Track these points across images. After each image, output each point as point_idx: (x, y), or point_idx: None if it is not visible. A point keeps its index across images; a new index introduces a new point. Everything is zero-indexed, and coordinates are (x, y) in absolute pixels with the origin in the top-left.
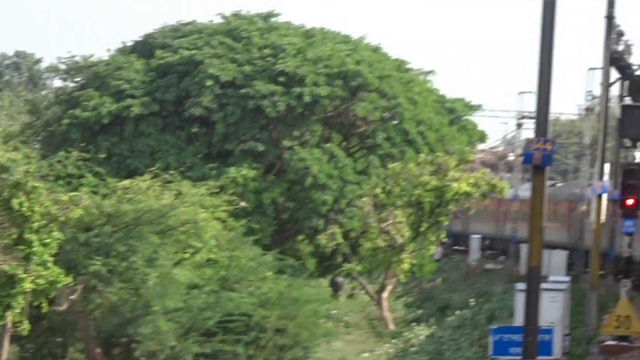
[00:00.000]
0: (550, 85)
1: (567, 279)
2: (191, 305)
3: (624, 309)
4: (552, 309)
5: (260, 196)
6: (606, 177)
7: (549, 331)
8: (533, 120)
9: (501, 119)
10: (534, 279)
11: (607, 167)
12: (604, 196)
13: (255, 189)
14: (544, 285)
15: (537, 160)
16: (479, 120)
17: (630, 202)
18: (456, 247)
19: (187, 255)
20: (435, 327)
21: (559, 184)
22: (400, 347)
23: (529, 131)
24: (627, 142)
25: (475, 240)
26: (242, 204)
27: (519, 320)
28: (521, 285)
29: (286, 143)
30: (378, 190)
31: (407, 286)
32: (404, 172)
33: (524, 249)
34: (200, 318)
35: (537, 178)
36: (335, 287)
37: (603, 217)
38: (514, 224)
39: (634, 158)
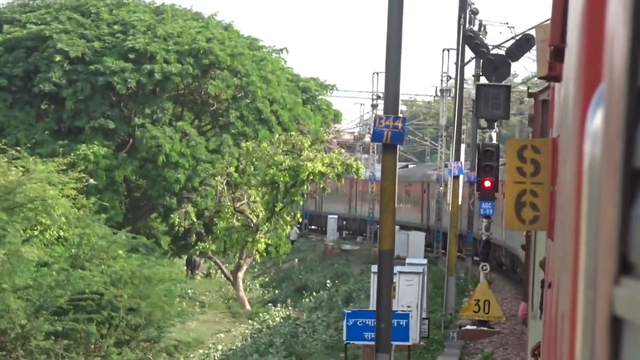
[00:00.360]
0: (399, 62)
1: (424, 261)
2: (41, 283)
3: (482, 293)
4: (409, 293)
5: (111, 174)
6: (463, 158)
7: (404, 316)
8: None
9: (357, 100)
10: (386, 263)
11: (463, 148)
12: (461, 177)
13: (106, 167)
14: (399, 268)
15: (387, 138)
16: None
17: (487, 183)
18: (313, 227)
19: (36, 233)
20: (290, 308)
21: (411, 166)
22: (255, 328)
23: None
24: (483, 123)
25: (332, 221)
26: (91, 181)
27: (375, 303)
28: (376, 267)
29: (137, 120)
30: (231, 169)
31: (265, 266)
32: (257, 151)
33: None
34: (51, 296)
35: (387, 157)
36: (192, 266)
37: (460, 199)
38: (370, 204)
39: (490, 139)
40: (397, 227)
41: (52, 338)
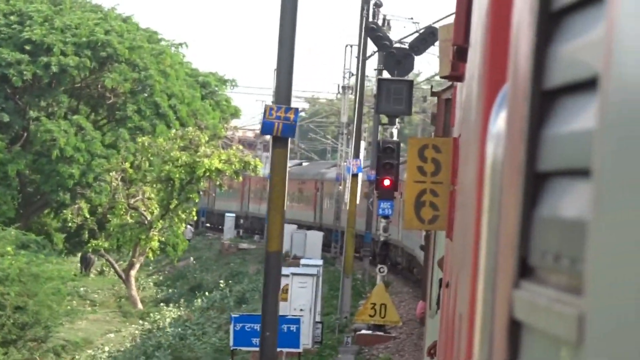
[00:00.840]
0: (293, 50)
1: (319, 262)
2: None
3: (379, 296)
4: (302, 295)
5: (4, 167)
6: (362, 156)
7: (295, 321)
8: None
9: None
10: (274, 265)
11: (363, 145)
12: (360, 176)
13: (0, 160)
14: (292, 270)
15: (277, 131)
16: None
17: (386, 182)
18: (209, 225)
19: None
20: (182, 308)
21: (305, 163)
22: (146, 329)
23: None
24: (385, 119)
25: (229, 219)
26: None
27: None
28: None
29: (32, 114)
30: (126, 165)
31: (160, 264)
32: (153, 147)
33: None
34: None
35: (278, 151)
36: (86, 263)
37: (358, 198)
38: (268, 202)
39: (391, 135)
40: (295, 226)
41: None
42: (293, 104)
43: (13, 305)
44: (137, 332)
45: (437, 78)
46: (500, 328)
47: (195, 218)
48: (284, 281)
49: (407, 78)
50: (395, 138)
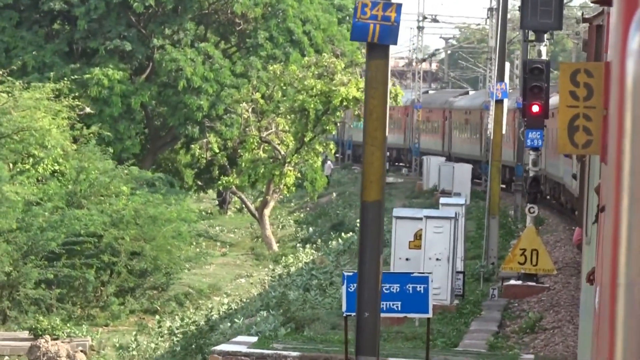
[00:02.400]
0: None
1: (461, 200)
2: (30, 225)
3: (529, 241)
4: (438, 241)
5: (128, 100)
6: (507, 79)
7: (423, 280)
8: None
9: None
10: (373, 220)
11: (508, 67)
12: (505, 102)
13: (122, 92)
14: (426, 212)
15: (373, 35)
16: None
17: (535, 108)
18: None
19: (27, 167)
20: (314, 252)
21: (432, 92)
22: (277, 274)
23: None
24: (532, 35)
25: None
26: (87, 109)
27: (392, 251)
28: (401, 211)
29: (157, 42)
30: (257, 95)
31: (302, 200)
32: (286, 75)
33: (427, 161)
34: (42, 239)
35: (375, 63)
36: (223, 201)
37: (504, 127)
38: (415, 134)
39: (539, 54)
40: (442, 159)
41: (43, 287)
42: (442, 30)
43: (128, 250)
44: (266, 277)
45: (590, 4)
46: None
47: (333, 151)
48: (416, 225)
49: None
50: (544, 57)
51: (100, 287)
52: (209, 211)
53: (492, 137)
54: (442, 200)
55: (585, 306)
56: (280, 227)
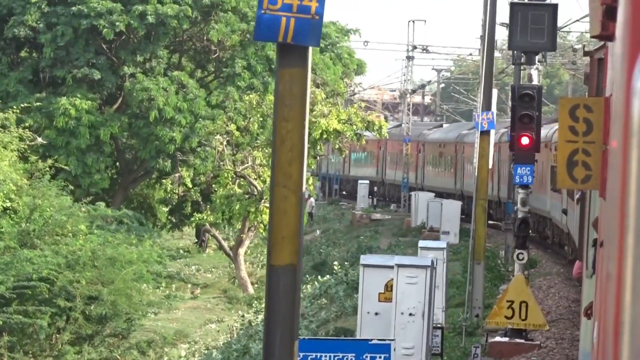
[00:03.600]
0: None
1: (442, 244)
2: None
3: (517, 292)
4: (411, 294)
5: (96, 131)
6: (494, 108)
7: (383, 348)
8: (426, 54)
9: (393, 54)
10: (285, 289)
11: (495, 94)
12: (492, 133)
13: (90, 123)
14: (398, 260)
15: (284, 34)
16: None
17: (524, 140)
18: (344, 193)
19: None
20: None
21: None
22: (247, 320)
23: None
24: (520, 57)
25: (362, 187)
26: (39, 140)
27: (360, 304)
28: (369, 258)
29: (127, 70)
30: (232, 127)
31: None
32: (263, 105)
33: (415, 196)
34: None
35: (287, 72)
36: (202, 239)
37: (491, 161)
38: (405, 168)
39: (530, 79)
40: (431, 195)
41: None
42: (435, 61)
43: (84, 295)
44: (236, 324)
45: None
46: None
47: (312, 186)
48: (387, 275)
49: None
50: (535, 81)
51: (56, 334)
52: (188, 249)
53: (476, 173)
54: (421, 243)
55: (585, 340)
56: (261, 266)
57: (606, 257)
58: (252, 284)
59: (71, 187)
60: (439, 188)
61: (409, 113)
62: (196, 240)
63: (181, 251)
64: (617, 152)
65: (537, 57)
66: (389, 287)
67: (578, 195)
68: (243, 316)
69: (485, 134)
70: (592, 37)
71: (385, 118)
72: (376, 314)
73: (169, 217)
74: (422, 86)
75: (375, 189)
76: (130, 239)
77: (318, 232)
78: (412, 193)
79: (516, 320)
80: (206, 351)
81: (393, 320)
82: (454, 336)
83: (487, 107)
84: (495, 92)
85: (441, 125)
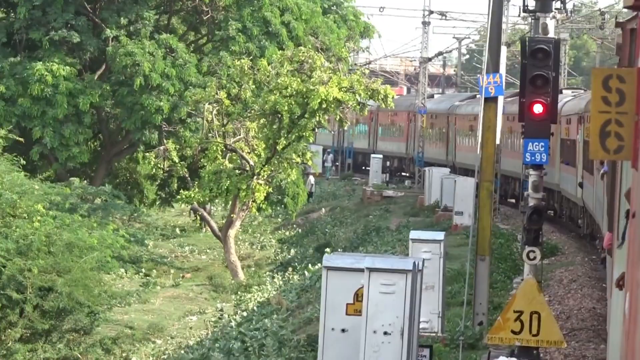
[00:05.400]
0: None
1: (439, 235)
2: None
3: (527, 300)
4: (386, 307)
5: (75, 100)
6: (504, 71)
7: None
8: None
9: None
10: None
11: (504, 52)
12: (500, 100)
13: (68, 91)
14: (369, 263)
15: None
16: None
17: (537, 108)
18: (364, 168)
19: None
20: (279, 287)
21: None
22: (226, 315)
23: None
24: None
25: (375, 161)
26: None
27: (322, 318)
28: (332, 259)
29: (110, 32)
30: (222, 95)
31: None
32: (255, 72)
33: (428, 172)
34: None
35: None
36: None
37: (498, 133)
38: (420, 142)
39: (544, 30)
40: (447, 170)
41: None
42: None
43: (36, 285)
44: (212, 319)
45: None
46: None
47: (310, 162)
48: (357, 281)
49: None
50: (551, 34)
51: (8, 329)
52: (184, 228)
53: (479, 149)
54: (413, 234)
55: (615, 312)
56: (260, 247)
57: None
58: (248, 267)
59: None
60: (429, 159)
61: (423, 83)
62: (194, 218)
63: (177, 230)
64: None
65: (553, 3)
66: (359, 296)
67: (603, 170)
68: (221, 310)
69: (491, 101)
70: (625, 7)
71: (408, 90)
72: (343, 330)
73: (158, 194)
74: (440, 53)
75: (388, 163)
76: (91, 221)
77: (324, 210)
78: (426, 169)
79: (525, 336)
80: (179, 351)
81: (363, 339)
82: (451, 350)
83: (494, 67)
84: (504, 50)
85: (432, 96)
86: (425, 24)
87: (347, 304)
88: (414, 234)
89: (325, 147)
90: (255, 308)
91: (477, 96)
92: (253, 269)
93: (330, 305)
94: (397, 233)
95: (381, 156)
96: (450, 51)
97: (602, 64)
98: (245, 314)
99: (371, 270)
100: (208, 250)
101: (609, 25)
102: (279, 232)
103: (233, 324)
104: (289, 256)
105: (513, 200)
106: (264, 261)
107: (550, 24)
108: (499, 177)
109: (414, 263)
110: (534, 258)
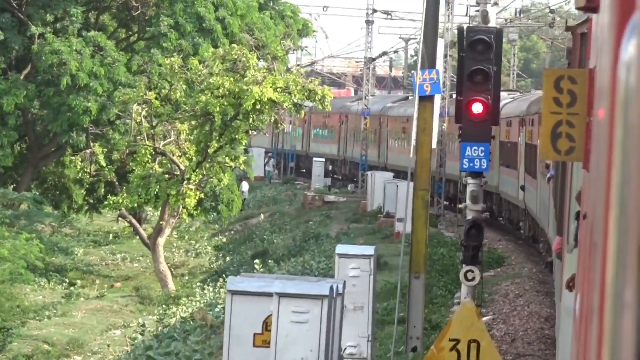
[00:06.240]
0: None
1: (368, 250)
2: None
3: (465, 326)
4: (298, 338)
5: None
6: (441, 67)
7: None
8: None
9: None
10: None
11: (441, 45)
12: (437, 99)
13: None
14: (275, 286)
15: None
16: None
17: (476, 108)
18: (304, 171)
19: None
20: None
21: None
22: (147, 331)
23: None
24: None
25: (318, 165)
26: None
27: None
28: (238, 282)
29: (35, 29)
30: (151, 95)
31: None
32: (186, 70)
33: (371, 177)
34: None
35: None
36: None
37: (435, 138)
38: (363, 144)
39: (484, 19)
40: (390, 175)
41: None
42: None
43: None
44: (133, 334)
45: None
46: (631, 256)
47: (242, 167)
48: (266, 307)
49: None
50: (492, 23)
51: None
52: (117, 234)
53: (412, 153)
54: (339, 249)
55: (565, 314)
56: (195, 254)
57: (589, 229)
58: (182, 276)
59: None
60: (321, 154)
61: (367, 84)
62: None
63: (110, 236)
64: (604, 124)
65: None
66: (268, 325)
67: (550, 174)
68: (143, 325)
69: (427, 100)
70: (577, 8)
71: (355, 91)
72: None
73: (86, 199)
74: (384, 53)
75: (331, 167)
76: (2, 230)
77: (262, 216)
78: (369, 173)
79: None
80: None
81: None
82: None
83: (430, 63)
84: (441, 42)
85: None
86: (369, 22)
87: (255, 334)
88: (340, 249)
89: (266, 149)
90: (178, 325)
91: (410, 97)
92: (186, 277)
93: (235, 336)
94: (336, 241)
95: (323, 159)
96: (396, 51)
97: (552, 65)
98: (166, 330)
99: (281, 295)
100: (140, 258)
101: (558, 24)
102: (216, 238)
103: (141, 347)
104: (224, 265)
105: (447, 203)
106: (198, 269)
107: (492, 11)
108: (444, 181)
109: (331, 287)
110: (473, 279)
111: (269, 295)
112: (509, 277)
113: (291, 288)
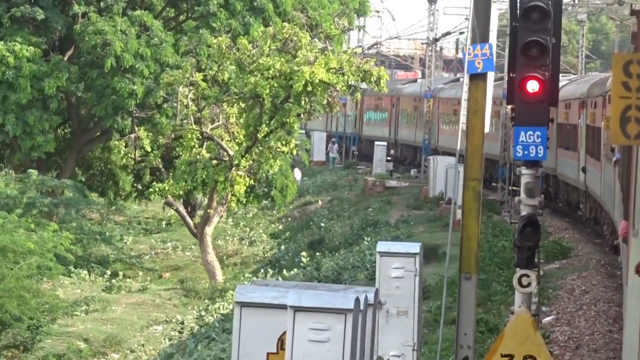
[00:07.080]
0: None
1: (413, 247)
2: None
3: (520, 339)
4: (320, 356)
5: (39, 83)
6: (494, 41)
7: None
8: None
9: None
10: None
11: (495, 16)
12: (490, 77)
13: (33, 74)
14: (290, 298)
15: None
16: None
17: (532, 86)
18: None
19: None
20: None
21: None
22: (186, 328)
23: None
24: None
25: (379, 149)
26: None
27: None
28: (248, 291)
29: (78, 9)
30: (198, 77)
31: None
32: (235, 51)
33: (433, 161)
34: None
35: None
36: (192, 208)
37: (488, 120)
38: (426, 128)
39: None
40: (452, 159)
41: None
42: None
43: None
44: (174, 332)
45: None
46: None
47: (296, 152)
48: (282, 322)
49: None
50: None
51: None
52: (169, 221)
53: (466, 138)
54: (381, 246)
55: (632, 297)
56: (249, 242)
57: None
58: (234, 265)
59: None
60: (373, 137)
61: (430, 65)
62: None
63: (164, 224)
64: None
65: None
66: (284, 343)
67: (616, 157)
68: (181, 322)
69: (479, 78)
70: None
71: (423, 74)
72: None
73: (135, 185)
74: (447, 34)
75: (392, 151)
76: (28, 221)
77: (320, 202)
78: (431, 157)
79: None
80: None
81: None
82: None
83: (482, 36)
84: (495, 12)
85: (415, 81)
86: (432, 1)
87: (269, 354)
88: (382, 246)
89: (328, 133)
90: (217, 323)
91: (461, 79)
92: (238, 268)
93: (245, 355)
94: (395, 229)
95: (385, 143)
96: (462, 32)
97: (622, 46)
98: (203, 330)
99: (296, 309)
100: (193, 247)
101: (628, 2)
102: (273, 225)
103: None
104: (279, 253)
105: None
106: (252, 258)
107: None
108: (508, 166)
109: (357, 299)
110: (528, 284)
111: (283, 307)
112: (575, 270)
113: (308, 300)
